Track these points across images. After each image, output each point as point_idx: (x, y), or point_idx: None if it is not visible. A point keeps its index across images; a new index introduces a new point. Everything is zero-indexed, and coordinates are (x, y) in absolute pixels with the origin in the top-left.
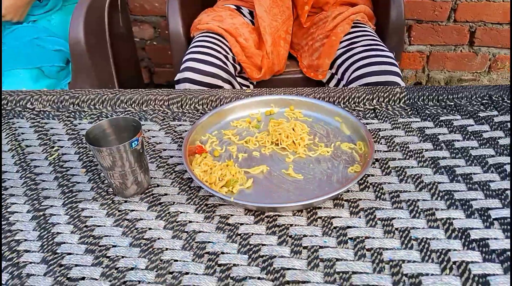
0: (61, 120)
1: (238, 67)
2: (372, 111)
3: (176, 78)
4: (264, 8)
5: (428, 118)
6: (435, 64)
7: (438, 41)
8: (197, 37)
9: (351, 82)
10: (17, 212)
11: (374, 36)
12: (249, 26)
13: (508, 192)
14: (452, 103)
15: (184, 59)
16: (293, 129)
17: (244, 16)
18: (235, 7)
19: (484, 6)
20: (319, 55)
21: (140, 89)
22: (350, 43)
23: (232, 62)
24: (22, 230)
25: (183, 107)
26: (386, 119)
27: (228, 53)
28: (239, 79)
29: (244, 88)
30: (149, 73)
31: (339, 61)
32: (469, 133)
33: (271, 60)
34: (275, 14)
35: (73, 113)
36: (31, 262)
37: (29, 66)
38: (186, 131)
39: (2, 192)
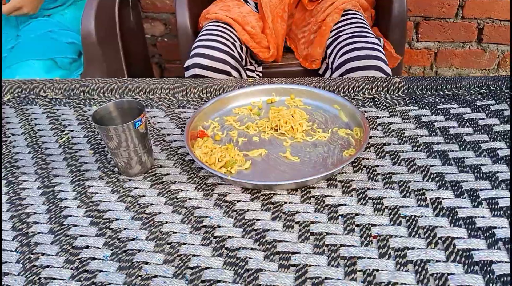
0: (72, 107)
1: (245, 57)
2: (371, 100)
3: (185, 65)
4: None
5: (426, 107)
6: (443, 61)
7: (446, 38)
8: (206, 26)
9: (336, 69)
10: (28, 188)
11: (362, 23)
12: (256, 14)
13: (499, 174)
14: (450, 93)
15: (193, 46)
16: (293, 116)
17: None
18: None
19: (492, 2)
20: (313, 46)
21: (147, 79)
22: (337, 32)
23: (239, 51)
24: (32, 204)
25: (188, 95)
26: (384, 107)
27: (235, 41)
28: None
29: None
30: (160, 69)
31: (329, 51)
32: (465, 120)
33: (275, 37)
34: None
35: (83, 101)
36: (39, 232)
37: (43, 57)
38: (190, 117)
39: (15, 171)
